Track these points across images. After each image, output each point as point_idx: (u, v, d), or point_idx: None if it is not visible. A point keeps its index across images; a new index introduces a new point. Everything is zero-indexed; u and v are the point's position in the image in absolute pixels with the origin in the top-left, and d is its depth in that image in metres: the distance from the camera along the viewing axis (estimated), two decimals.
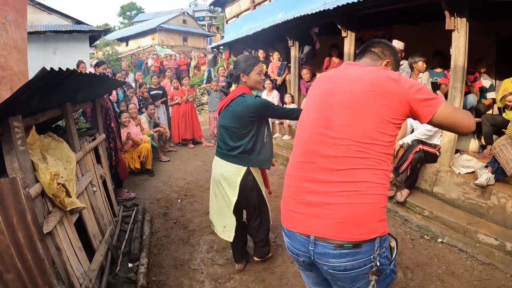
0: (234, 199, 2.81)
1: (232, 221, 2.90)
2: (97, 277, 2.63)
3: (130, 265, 3.16)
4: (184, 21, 31.55)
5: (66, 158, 2.42)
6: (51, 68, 1.68)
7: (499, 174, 3.75)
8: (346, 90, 1.45)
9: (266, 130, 2.84)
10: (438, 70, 5.33)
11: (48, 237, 2.01)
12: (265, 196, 3.01)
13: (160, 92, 8.27)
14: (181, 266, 3.21)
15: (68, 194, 2.23)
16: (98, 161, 3.67)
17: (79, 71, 2.09)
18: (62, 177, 2.15)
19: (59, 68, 1.78)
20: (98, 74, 2.65)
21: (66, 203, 2.16)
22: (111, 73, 5.89)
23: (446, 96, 4.44)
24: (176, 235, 3.79)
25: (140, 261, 3.11)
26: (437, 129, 4.27)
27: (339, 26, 5.76)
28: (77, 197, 2.51)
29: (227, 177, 2.80)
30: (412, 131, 4.61)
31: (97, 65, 5.68)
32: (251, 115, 2.66)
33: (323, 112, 1.48)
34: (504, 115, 4.66)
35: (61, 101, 2.67)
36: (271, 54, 8.69)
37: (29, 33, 12.71)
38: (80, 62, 7.29)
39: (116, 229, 3.61)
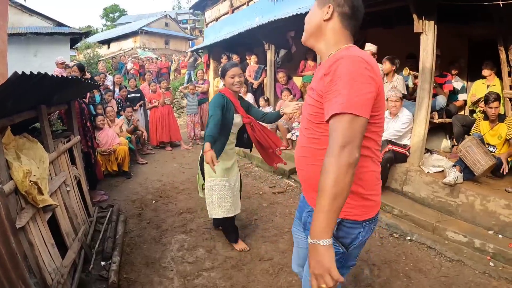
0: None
1: None
2: (69, 273, 2.72)
3: (102, 263, 3.25)
4: (166, 24, 31.48)
5: (40, 157, 2.52)
6: (23, 72, 1.80)
7: (467, 173, 3.88)
8: None
9: (225, 131, 3.18)
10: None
11: (21, 232, 2.11)
12: (205, 184, 3.38)
13: (138, 95, 8.35)
14: (152, 264, 3.32)
15: (40, 192, 2.34)
16: (73, 162, 3.75)
17: (51, 75, 2.20)
18: (34, 175, 2.26)
19: (31, 72, 1.89)
20: (70, 77, 2.75)
21: (38, 200, 2.27)
22: (88, 76, 5.94)
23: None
24: (149, 234, 3.90)
25: (112, 259, 3.20)
26: (406, 129, 4.45)
27: None
28: (50, 196, 2.62)
29: None
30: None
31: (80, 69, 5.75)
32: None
33: None
34: (474, 115, 4.85)
35: (36, 103, 2.77)
36: (248, 58, 8.87)
37: (10, 35, 12.61)
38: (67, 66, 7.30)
39: (90, 229, 3.70)
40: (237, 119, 3.26)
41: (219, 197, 3.35)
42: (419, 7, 4.11)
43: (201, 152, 3.24)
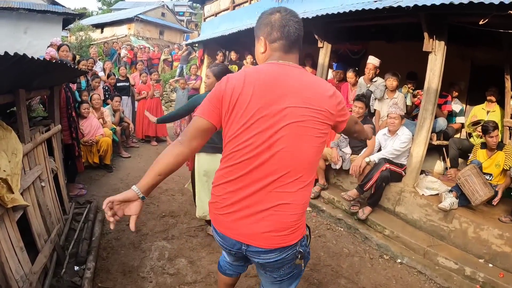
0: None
1: None
2: (39, 279, 2.46)
3: (76, 268, 2.97)
4: (163, 14, 30.90)
5: (12, 149, 2.23)
6: None
7: (463, 200, 3.81)
8: None
9: None
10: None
11: None
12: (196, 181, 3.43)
13: (127, 84, 8.02)
14: (129, 273, 3.04)
15: (10, 190, 2.06)
16: (51, 153, 3.44)
17: (31, 57, 1.92)
18: (4, 171, 1.98)
19: (5, 52, 1.62)
20: (57, 61, 2.47)
21: (7, 200, 1.99)
22: (71, 58, 5.54)
23: None
24: (127, 238, 3.62)
25: (87, 264, 2.93)
26: (405, 149, 4.35)
27: (316, 36, 5.77)
28: (21, 193, 2.33)
29: None
30: (380, 149, 4.64)
31: (58, 48, 5.34)
32: None
33: None
34: (471, 140, 4.79)
35: (14, 87, 2.47)
36: (246, 57, 8.62)
37: (1, 9, 12.13)
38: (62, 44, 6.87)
39: (65, 228, 3.41)
40: None
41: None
42: (431, 26, 4.00)
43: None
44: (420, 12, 3.82)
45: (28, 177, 2.55)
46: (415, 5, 3.64)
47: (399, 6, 3.78)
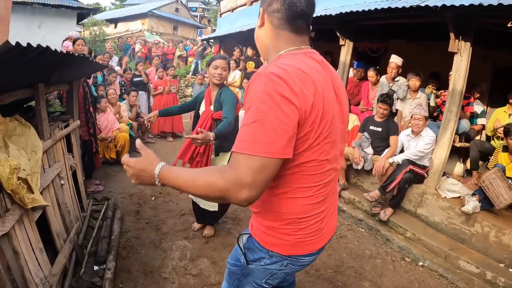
0: None
1: None
2: (58, 281, 2.36)
3: (95, 267, 2.88)
4: (177, 10, 30.82)
5: (32, 147, 2.12)
6: (17, 43, 1.41)
7: (485, 203, 3.74)
8: None
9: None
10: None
11: (3, 240, 1.73)
12: None
13: (143, 79, 7.92)
14: (151, 273, 2.95)
15: (30, 190, 1.96)
16: (69, 149, 3.36)
17: (54, 49, 1.81)
18: (24, 170, 1.87)
19: (28, 44, 1.50)
20: (76, 54, 2.36)
21: (27, 200, 1.88)
22: (87, 52, 5.45)
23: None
24: (147, 237, 3.52)
25: (107, 264, 2.84)
26: (428, 151, 4.24)
27: (338, 34, 5.60)
28: (41, 192, 2.24)
29: None
30: (402, 150, 4.52)
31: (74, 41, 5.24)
32: None
33: None
34: (492, 142, 4.70)
35: (33, 81, 2.37)
36: None
37: (15, 3, 12.12)
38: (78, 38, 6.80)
39: (83, 226, 3.32)
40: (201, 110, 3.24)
41: None
42: (457, 26, 3.88)
43: None
44: (447, 12, 3.72)
45: (47, 175, 2.46)
46: (443, 5, 3.53)
47: (427, 6, 3.68)
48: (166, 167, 1.14)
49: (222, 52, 11.45)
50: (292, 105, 1.02)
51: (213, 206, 3.34)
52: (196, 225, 3.73)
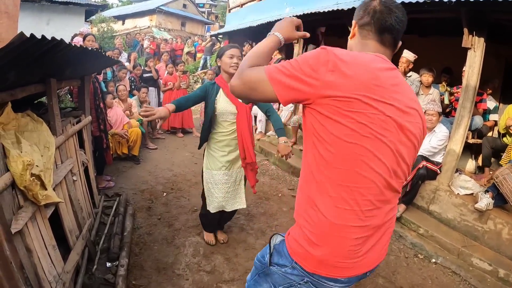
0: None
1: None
2: (71, 278, 2.33)
3: (108, 264, 2.86)
4: (184, 6, 30.75)
5: (45, 143, 2.09)
6: (31, 35, 1.36)
7: (498, 200, 3.71)
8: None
9: (207, 118, 3.01)
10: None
11: (17, 237, 1.69)
12: (204, 175, 3.14)
13: (152, 75, 7.89)
14: (164, 270, 2.92)
15: (43, 186, 1.92)
16: (81, 145, 3.33)
17: (69, 43, 1.77)
18: (37, 166, 1.84)
19: (43, 36, 1.46)
20: (90, 48, 2.33)
21: (40, 197, 1.85)
22: (97, 47, 5.44)
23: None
24: (160, 233, 3.49)
25: (120, 261, 2.81)
26: (442, 147, 4.21)
27: (350, 28, 5.49)
28: (54, 189, 2.21)
29: None
30: None
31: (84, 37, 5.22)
32: None
33: None
34: (504, 139, 4.64)
35: (45, 76, 2.33)
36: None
37: (23, 0, 12.17)
38: (75, 35, 6.79)
39: (95, 223, 3.30)
40: (230, 107, 2.93)
41: (216, 190, 3.07)
42: (471, 21, 3.82)
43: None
44: (462, 7, 3.64)
45: (60, 172, 2.43)
46: (458, 0, 3.44)
47: (441, 1, 3.60)
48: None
49: None
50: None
51: (242, 203, 3.22)
52: (212, 237, 3.41)
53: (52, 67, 2.26)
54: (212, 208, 3.08)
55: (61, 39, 1.63)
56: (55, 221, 2.34)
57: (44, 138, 2.12)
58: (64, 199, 2.47)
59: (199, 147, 3.23)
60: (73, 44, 1.99)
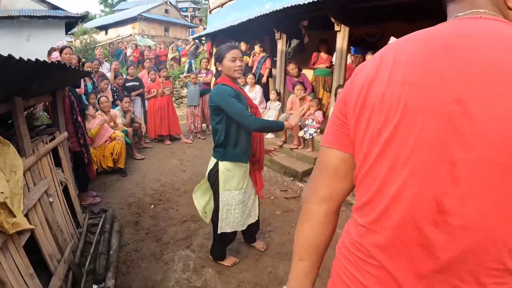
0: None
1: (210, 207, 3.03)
2: None
3: (94, 286, 2.72)
4: (166, 11, 30.54)
5: (11, 166, 1.95)
6: None
7: None
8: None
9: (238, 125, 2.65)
10: None
11: None
12: (221, 198, 2.82)
13: (137, 83, 7.71)
14: None
15: (11, 214, 1.79)
16: (58, 164, 3.18)
17: (19, 58, 1.63)
18: (2, 193, 1.71)
19: None
20: (55, 62, 2.20)
21: (8, 226, 1.72)
22: (76, 59, 5.26)
23: None
24: (147, 249, 3.36)
25: (106, 282, 2.68)
26: None
27: (332, 19, 5.40)
28: (26, 213, 2.07)
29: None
30: None
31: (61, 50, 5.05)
32: (213, 105, 2.60)
33: None
34: None
35: (10, 94, 2.20)
36: (254, 47, 8.26)
37: (1, 18, 11.98)
38: (52, 50, 6.60)
39: (80, 243, 3.15)
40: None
41: (237, 211, 2.86)
42: None
43: (212, 166, 2.82)
44: None
45: (32, 195, 2.29)
46: None
47: None
48: None
49: (214, 49, 11.25)
50: None
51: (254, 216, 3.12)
52: (232, 258, 3.17)
53: (15, 84, 2.12)
54: (229, 228, 2.91)
55: (9, 55, 1.50)
56: (34, 245, 2.21)
57: (11, 161, 1.98)
58: (40, 223, 2.33)
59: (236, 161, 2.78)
60: (36, 59, 1.86)
